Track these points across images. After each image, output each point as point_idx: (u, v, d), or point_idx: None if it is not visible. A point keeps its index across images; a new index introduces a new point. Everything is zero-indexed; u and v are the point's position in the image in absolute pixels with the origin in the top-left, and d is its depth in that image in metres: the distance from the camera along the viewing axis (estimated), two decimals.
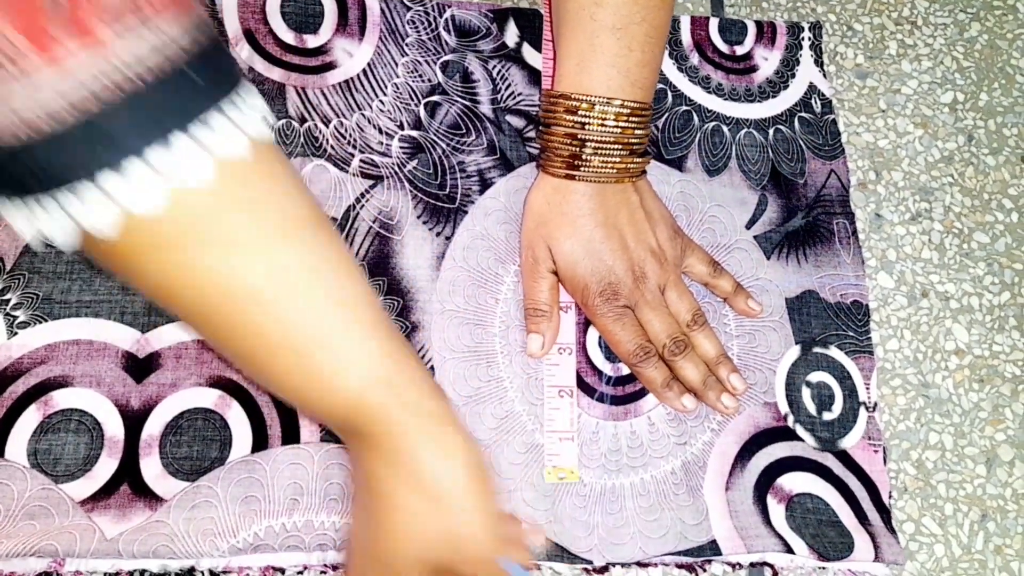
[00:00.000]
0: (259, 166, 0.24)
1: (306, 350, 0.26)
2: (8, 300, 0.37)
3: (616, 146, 0.38)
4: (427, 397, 0.29)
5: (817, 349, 0.43)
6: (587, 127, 0.38)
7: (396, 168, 0.43)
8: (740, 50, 0.49)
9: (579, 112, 0.38)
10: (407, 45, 0.45)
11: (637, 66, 0.38)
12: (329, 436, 0.37)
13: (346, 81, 0.44)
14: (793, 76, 0.49)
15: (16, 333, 0.37)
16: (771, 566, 0.39)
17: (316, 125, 0.42)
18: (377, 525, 0.29)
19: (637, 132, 0.39)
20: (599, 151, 0.38)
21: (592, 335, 0.42)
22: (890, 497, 0.41)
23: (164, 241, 0.23)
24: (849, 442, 0.42)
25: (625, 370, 0.41)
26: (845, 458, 0.41)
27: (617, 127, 0.38)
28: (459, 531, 0.28)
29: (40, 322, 0.37)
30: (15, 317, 0.37)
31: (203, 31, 0.23)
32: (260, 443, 0.37)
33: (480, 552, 0.29)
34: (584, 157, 0.38)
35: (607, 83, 0.38)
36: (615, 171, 0.39)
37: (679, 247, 0.42)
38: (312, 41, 0.44)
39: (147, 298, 0.25)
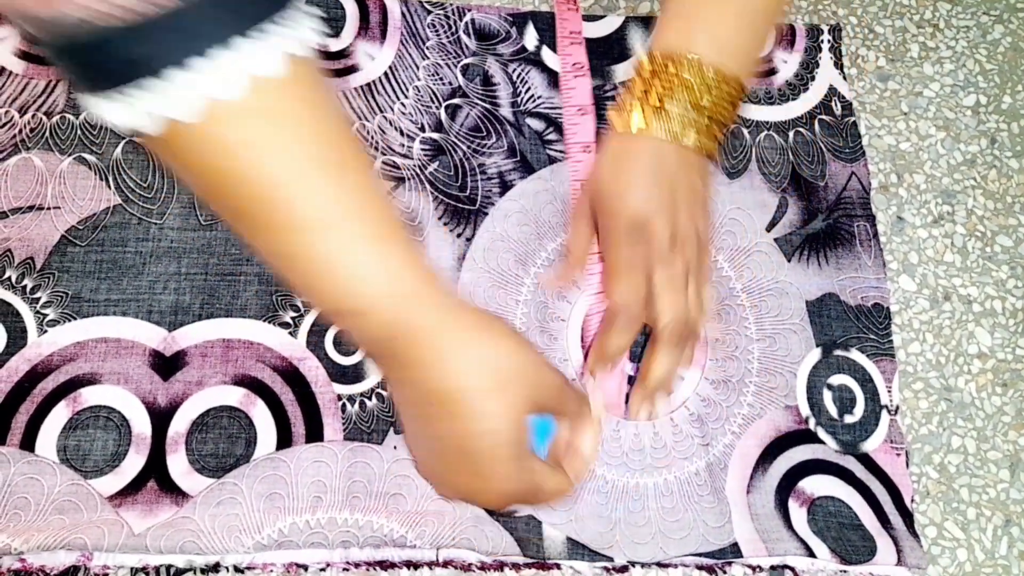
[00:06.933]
0: (301, 86, 0.25)
1: (326, 256, 0.26)
2: (38, 299, 0.38)
3: (698, 107, 0.37)
4: (447, 302, 0.29)
5: (838, 352, 0.43)
6: (664, 82, 0.37)
7: (417, 170, 0.43)
8: None
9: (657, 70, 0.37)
10: (428, 48, 0.46)
11: (717, 19, 0.36)
12: (352, 434, 0.38)
13: (368, 84, 0.44)
14: (813, 79, 0.49)
15: (46, 331, 0.37)
16: (792, 569, 0.39)
17: None
18: (457, 412, 0.28)
19: (723, 107, 0.37)
20: (680, 105, 0.36)
21: None
22: (912, 501, 0.41)
23: (236, 129, 0.24)
24: (871, 445, 0.41)
25: None
26: (867, 461, 0.41)
27: (698, 86, 0.36)
28: (540, 376, 0.30)
29: (69, 320, 0.38)
30: (45, 315, 0.38)
31: None
32: (284, 441, 0.37)
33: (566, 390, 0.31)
34: (666, 109, 0.36)
35: (672, 36, 0.37)
36: (692, 133, 0.37)
37: (708, 256, 0.40)
38: (334, 44, 0.45)
39: (197, 191, 0.26)
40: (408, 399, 0.30)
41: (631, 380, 0.41)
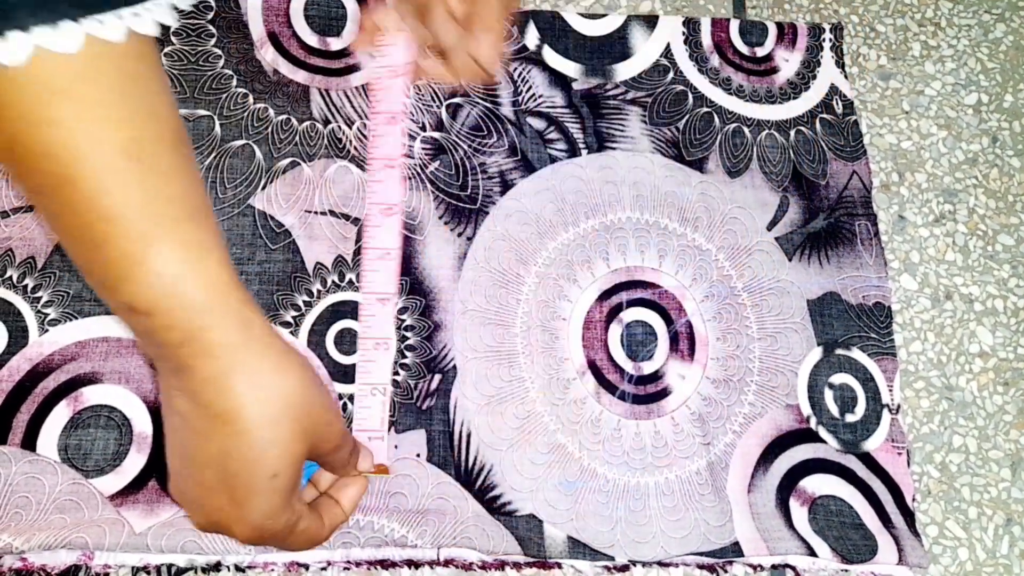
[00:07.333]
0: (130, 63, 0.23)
1: (124, 251, 0.24)
2: (40, 298, 0.38)
3: None
4: (249, 320, 0.26)
5: (839, 351, 0.43)
6: None
7: (418, 169, 0.43)
8: (761, 52, 0.49)
9: None
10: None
11: None
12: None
13: (369, 83, 0.44)
14: (814, 77, 0.49)
15: (47, 330, 0.37)
16: (793, 568, 0.39)
17: (340, 127, 0.43)
18: (220, 434, 0.26)
19: None
20: None
21: (614, 333, 0.42)
22: (914, 500, 0.41)
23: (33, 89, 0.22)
24: (872, 444, 0.41)
25: (647, 369, 0.41)
26: (868, 460, 0.41)
27: None
28: (324, 418, 0.28)
29: (71, 319, 0.38)
30: (46, 314, 0.38)
31: None
32: None
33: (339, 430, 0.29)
34: None
35: None
36: None
37: None
38: (335, 44, 0.45)
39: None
40: (179, 410, 0.27)
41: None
